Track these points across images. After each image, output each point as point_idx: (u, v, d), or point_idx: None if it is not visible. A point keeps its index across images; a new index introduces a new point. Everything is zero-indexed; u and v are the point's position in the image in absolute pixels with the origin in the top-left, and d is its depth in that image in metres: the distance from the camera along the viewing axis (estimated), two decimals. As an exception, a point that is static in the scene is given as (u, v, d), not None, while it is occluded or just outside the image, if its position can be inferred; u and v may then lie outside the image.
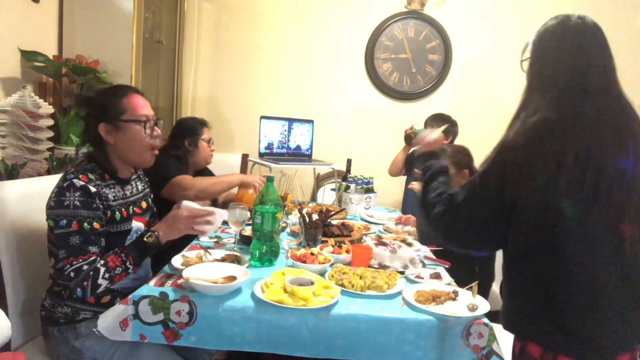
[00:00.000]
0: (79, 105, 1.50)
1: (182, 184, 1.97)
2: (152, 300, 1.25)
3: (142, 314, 1.24)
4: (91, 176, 1.40)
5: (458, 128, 2.85)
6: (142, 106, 1.49)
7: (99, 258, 1.34)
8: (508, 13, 3.47)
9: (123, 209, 1.48)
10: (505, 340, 1.26)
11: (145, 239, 1.40)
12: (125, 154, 1.48)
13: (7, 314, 1.34)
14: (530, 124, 1.06)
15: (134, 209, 1.54)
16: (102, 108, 1.44)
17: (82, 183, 1.35)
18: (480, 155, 2.15)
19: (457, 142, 2.22)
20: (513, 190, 1.04)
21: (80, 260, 1.31)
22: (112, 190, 1.46)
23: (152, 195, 1.72)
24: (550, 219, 1.02)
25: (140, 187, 1.63)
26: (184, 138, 2.20)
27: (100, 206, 1.38)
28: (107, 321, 1.25)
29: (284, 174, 2.24)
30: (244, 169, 3.37)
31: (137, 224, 1.52)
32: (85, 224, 1.33)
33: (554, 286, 1.05)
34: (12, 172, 2.04)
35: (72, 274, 1.30)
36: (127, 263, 1.37)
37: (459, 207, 1.14)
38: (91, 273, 1.30)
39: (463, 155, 2.12)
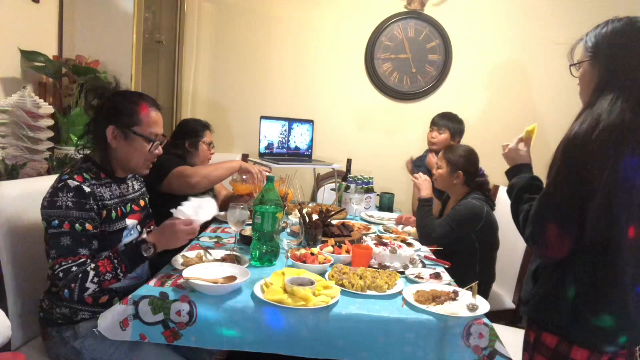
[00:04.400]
0: (94, 98, 1.46)
1: (185, 172, 2.00)
2: (152, 300, 1.25)
3: (142, 314, 1.24)
4: (86, 176, 1.39)
5: (464, 126, 2.83)
6: (155, 123, 1.48)
7: (89, 260, 1.33)
8: (508, 13, 3.47)
9: (119, 208, 1.47)
10: (506, 339, 1.26)
11: (143, 253, 1.38)
12: (123, 161, 1.48)
13: (7, 314, 1.34)
14: (606, 124, 1.03)
15: (132, 206, 1.54)
16: (117, 111, 1.42)
17: (76, 183, 1.34)
18: (481, 155, 2.18)
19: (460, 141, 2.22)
20: (585, 186, 1.03)
21: (70, 262, 1.30)
22: (109, 189, 1.46)
23: (147, 195, 1.71)
24: (611, 220, 1.03)
25: (136, 186, 1.63)
26: (185, 139, 2.22)
27: (95, 207, 1.37)
28: (107, 321, 1.25)
29: (283, 181, 2.25)
30: (244, 169, 3.37)
31: (132, 222, 1.51)
32: (77, 225, 1.32)
33: (591, 282, 1.08)
34: (12, 172, 2.04)
35: (60, 275, 1.30)
36: (119, 270, 1.35)
37: (542, 219, 1.10)
38: (80, 275, 1.30)
39: (459, 157, 2.08)
